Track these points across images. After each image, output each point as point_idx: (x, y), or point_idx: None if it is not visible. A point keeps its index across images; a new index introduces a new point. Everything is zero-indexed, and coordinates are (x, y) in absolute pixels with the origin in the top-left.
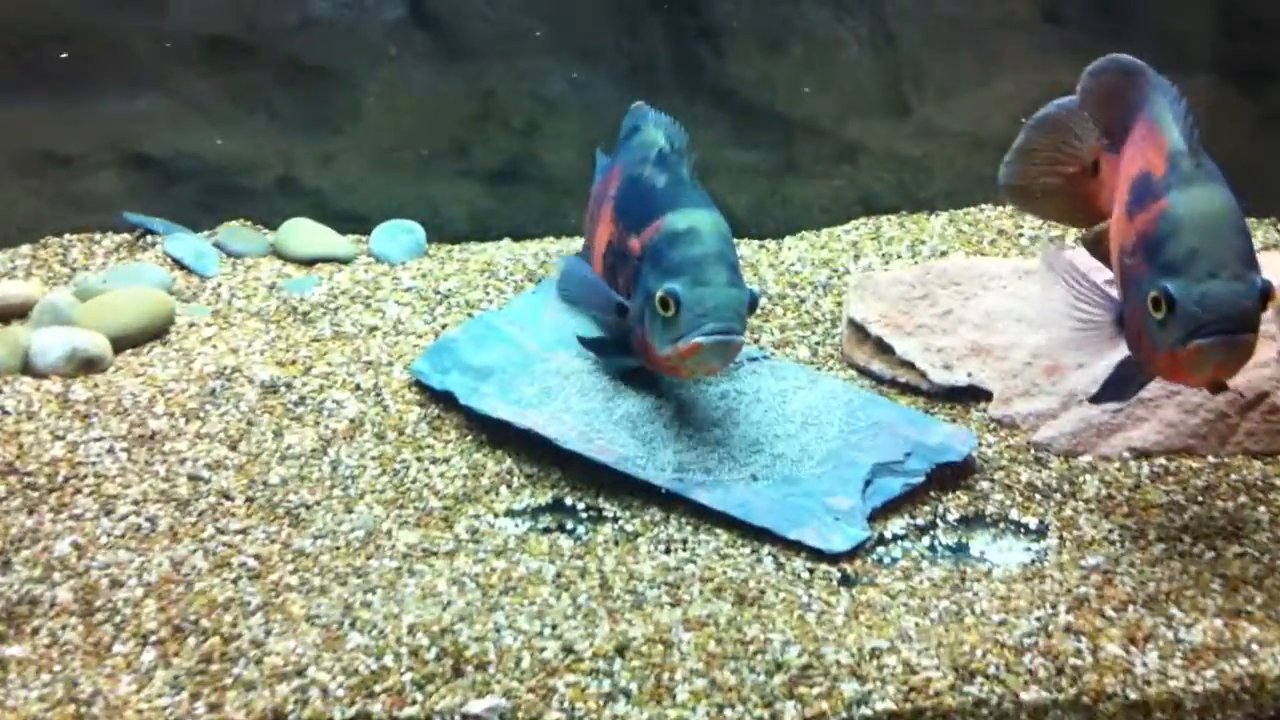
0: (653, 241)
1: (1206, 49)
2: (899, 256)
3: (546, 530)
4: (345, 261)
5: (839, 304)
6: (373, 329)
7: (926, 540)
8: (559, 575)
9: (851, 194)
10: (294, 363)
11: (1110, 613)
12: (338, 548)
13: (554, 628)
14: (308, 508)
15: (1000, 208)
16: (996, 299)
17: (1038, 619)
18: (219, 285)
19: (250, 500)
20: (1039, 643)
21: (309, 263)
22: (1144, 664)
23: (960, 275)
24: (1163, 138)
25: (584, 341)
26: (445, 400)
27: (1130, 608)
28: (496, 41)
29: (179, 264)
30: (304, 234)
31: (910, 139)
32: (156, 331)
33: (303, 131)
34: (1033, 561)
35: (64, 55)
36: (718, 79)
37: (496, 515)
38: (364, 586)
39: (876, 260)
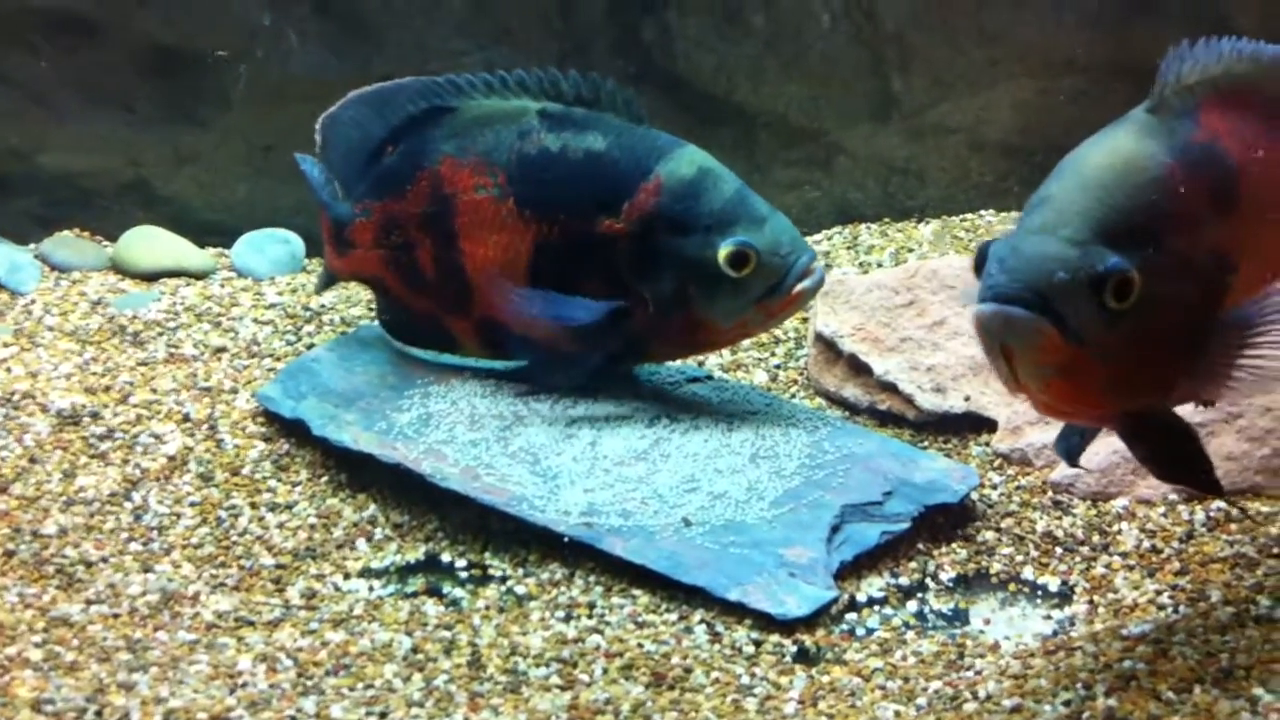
0: (659, 206)
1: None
2: (879, 266)
3: (411, 595)
4: (199, 276)
5: (804, 319)
6: (219, 351)
7: (913, 605)
8: (415, 650)
9: (825, 203)
10: (108, 389)
11: (1169, 694)
12: (116, 615)
13: (383, 716)
14: (89, 565)
15: (1005, 213)
16: None
17: (1067, 704)
18: (33, 302)
19: (9, 555)
20: None
21: (153, 278)
22: None
23: (955, 278)
24: None
25: (534, 378)
26: (299, 433)
27: (1197, 688)
28: (397, 16)
29: None
30: (148, 244)
31: (896, 139)
32: None
33: (160, 126)
34: (1055, 632)
35: None
36: (665, 63)
37: (347, 575)
38: (134, 664)
39: (853, 272)
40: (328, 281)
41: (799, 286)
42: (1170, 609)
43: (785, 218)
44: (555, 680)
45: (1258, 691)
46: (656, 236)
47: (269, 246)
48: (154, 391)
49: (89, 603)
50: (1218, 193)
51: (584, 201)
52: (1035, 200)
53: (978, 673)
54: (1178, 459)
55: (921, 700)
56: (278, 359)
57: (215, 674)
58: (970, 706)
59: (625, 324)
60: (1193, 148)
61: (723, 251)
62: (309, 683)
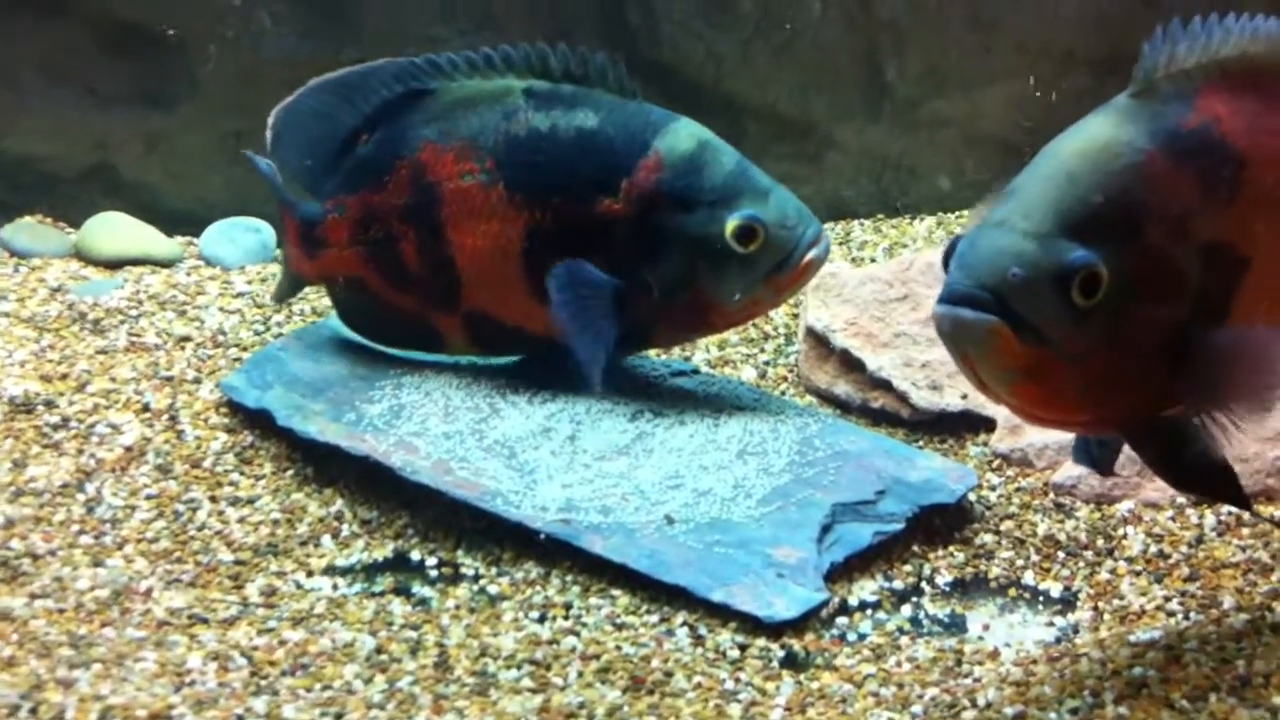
0: (660, 183)
1: None
2: (873, 262)
3: (378, 594)
4: (165, 265)
5: (795, 315)
6: (183, 340)
7: (908, 610)
8: (378, 651)
9: (816, 200)
10: (64, 377)
11: (1183, 702)
12: (61, 610)
13: (339, 717)
14: (36, 558)
15: None
16: None
17: (1074, 712)
18: None
19: None
20: None
21: (117, 265)
22: None
23: None
24: None
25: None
26: (263, 425)
27: (1213, 696)
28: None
29: None
30: (112, 231)
31: (889, 131)
32: None
33: (125, 109)
34: (1059, 639)
35: None
36: (651, 51)
37: (310, 573)
38: (76, 660)
39: (846, 266)
40: (293, 287)
41: (808, 256)
42: (1180, 615)
43: (787, 189)
44: (527, 683)
45: (1278, 701)
46: (658, 215)
47: (239, 235)
48: (113, 380)
49: (33, 596)
50: (1214, 182)
51: (579, 183)
52: (1004, 193)
53: (976, 680)
54: (1195, 468)
55: (917, 708)
56: (245, 349)
57: (162, 672)
58: (969, 715)
59: (627, 309)
60: (1181, 134)
61: (730, 226)
62: (262, 682)
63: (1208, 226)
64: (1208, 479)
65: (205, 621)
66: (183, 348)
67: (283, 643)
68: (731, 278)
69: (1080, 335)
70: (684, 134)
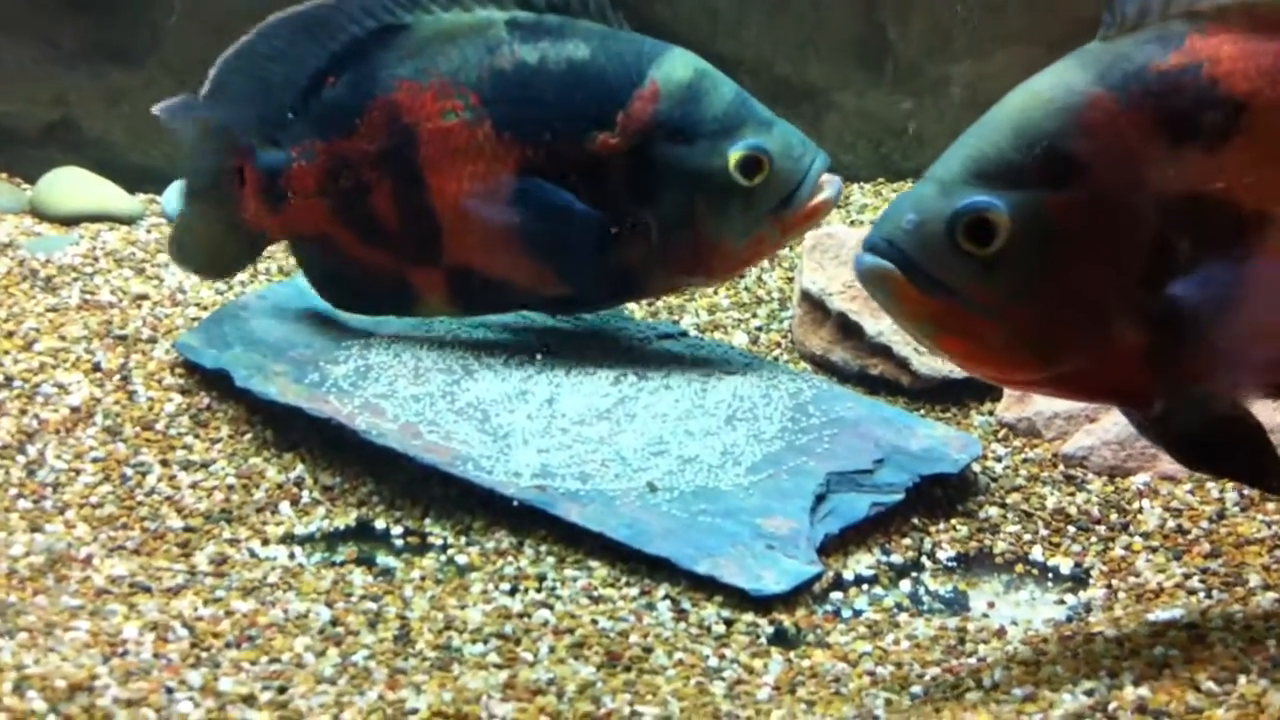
0: (658, 114)
1: None
2: (872, 224)
3: (338, 563)
4: (125, 222)
5: (789, 279)
6: (140, 298)
7: (907, 585)
8: (334, 623)
9: None
10: (10, 335)
11: (1210, 684)
12: None
13: (282, 691)
14: None
15: None
16: None
17: (1090, 693)
18: None
19: None
20: None
21: (73, 222)
22: None
23: None
24: None
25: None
26: (222, 386)
27: (1242, 678)
28: None
29: None
30: (69, 187)
31: (892, 94)
32: None
33: (86, 63)
34: (1070, 617)
35: None
36: (642, 6)
37: (265, 541)
38: (2, 628)
39: (843, 229)
40: (252, 247)
41: (819, 198)
42: (1202, 594)
43: (787, 121)
44: (493, 658)
45: None
46: (656, 148)
47: None
48: (62, 339)
49: None
50: (1192, 127)
51: (573, 117)
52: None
53: (981, 659)
54: (1226, 453)
55: (917, 688)
56: (205, 308)
57: (93, 642)
58: (974, 696)
59: (622, 251)
60: (1147, 77)
61: (733, 157)
62: (203, 654)
63: (1184, 175)
64: (1229, 457)
65: (148, 590)
66: (139, 306)
67: (230, 613)
68: (735, 214)
69: (987, 286)
70: (680, 63)
